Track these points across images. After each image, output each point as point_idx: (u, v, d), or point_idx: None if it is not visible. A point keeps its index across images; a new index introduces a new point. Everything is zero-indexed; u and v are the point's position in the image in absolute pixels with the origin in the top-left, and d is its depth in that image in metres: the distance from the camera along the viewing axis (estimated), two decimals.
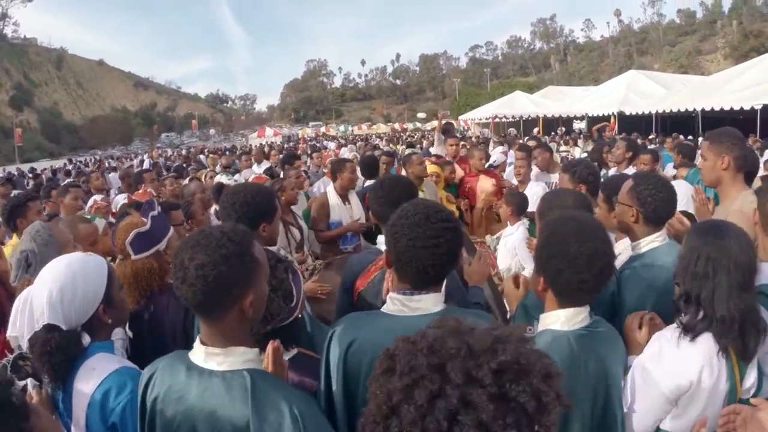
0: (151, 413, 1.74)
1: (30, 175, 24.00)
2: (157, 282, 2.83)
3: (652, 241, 2.70)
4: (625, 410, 2.01)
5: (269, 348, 1.87)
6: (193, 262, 1.60)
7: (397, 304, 1.98)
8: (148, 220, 2.87)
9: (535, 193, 6.26)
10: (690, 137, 17.49)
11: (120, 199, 7.30)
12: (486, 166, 7.53)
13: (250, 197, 2.90)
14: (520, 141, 14.02)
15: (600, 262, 1.98)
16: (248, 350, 1.71)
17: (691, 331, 1.99)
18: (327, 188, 5.99)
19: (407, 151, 9.43)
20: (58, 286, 1.98)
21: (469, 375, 0.96)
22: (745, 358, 1.99)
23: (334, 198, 5.67)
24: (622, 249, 2.99)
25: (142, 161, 24.53)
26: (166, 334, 2.77)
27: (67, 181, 12.69)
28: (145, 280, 2.79)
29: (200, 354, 1.70)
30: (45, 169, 29.85)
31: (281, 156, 11.77)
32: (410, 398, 0.97)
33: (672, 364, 1.97)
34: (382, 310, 2.05)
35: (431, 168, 6.70)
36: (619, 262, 2.83)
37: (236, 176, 9.68)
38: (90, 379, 1.93)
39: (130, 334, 2.77)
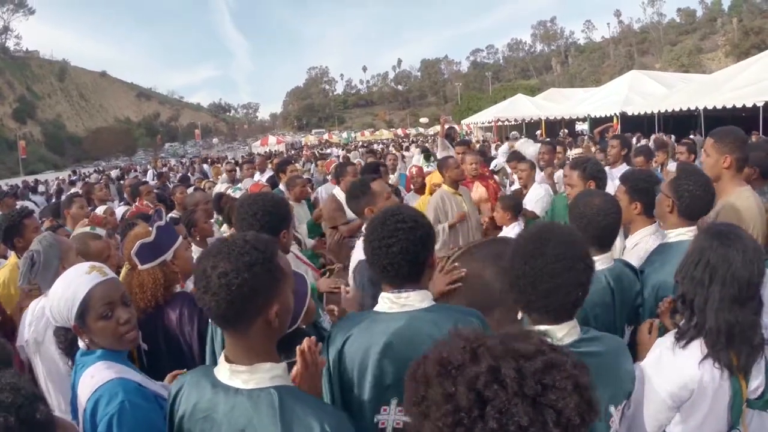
0: (178, 430, 1.72)
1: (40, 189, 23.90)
2: (162, 293, 2.86)
3: (681, 234, 2.76)
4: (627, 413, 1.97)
5: (298, 349, 1.85)
6: (216, 271, 1.55)
7: (387, 302, 2.05)
8: (153, 230, 2.93)
9: (537, 194, 6.28)
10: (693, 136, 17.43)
11: (120, 211, 7.30)
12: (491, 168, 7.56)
13: (270, 206, 2.90)
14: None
15: (547, 283, 1.78)
16: (275, 366, 1.65)
17: (683, 337, 1.98)
18: (333, 191, 6.16)
19: (421, 158, 9.40)
20: (52, 288, 2.21)
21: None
22: (739, 370, 1.95)
23: (342, 198, 5.60)
24: (632, 244, 3.08)
25: (145, 171, 24.55)
26: (181, 344, 2.81)
27: (72, 191, 12.73)
28: (151, 290, 2.82)
29: (225, 371, 1.65)
30: (47, 179, 29.70)
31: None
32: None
33: (670, 372, 1.96)
34: (374, 309, 2.11)
35: (436, 177, 6.65)
36: (635, 256, 2.96)
37: (240, 185, 9.68)
38: (86, 387, 1.98)
39: (145, 346, 2.79)
